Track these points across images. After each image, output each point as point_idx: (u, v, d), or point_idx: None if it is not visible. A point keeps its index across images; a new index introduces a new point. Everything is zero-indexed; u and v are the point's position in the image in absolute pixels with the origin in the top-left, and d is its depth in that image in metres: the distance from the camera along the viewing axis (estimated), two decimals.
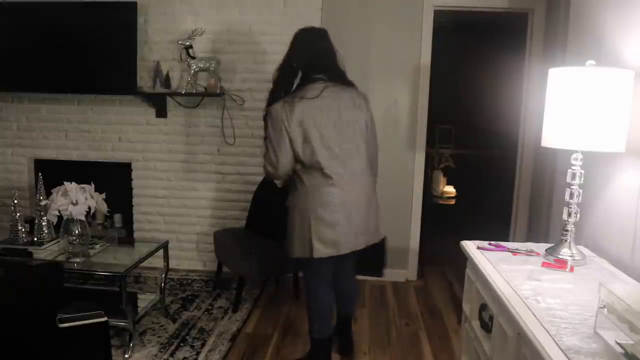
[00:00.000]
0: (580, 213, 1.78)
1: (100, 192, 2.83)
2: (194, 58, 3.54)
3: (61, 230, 2.82)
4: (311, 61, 2.31)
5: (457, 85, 5.68)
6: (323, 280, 2.41)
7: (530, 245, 1.95)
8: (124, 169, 3.93)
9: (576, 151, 1.73)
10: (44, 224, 2.93)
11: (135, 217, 3.97)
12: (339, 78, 2.36)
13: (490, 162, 5.18)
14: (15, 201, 2.90)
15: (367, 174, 2.37)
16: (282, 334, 2.99)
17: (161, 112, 3.82)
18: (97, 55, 3.65)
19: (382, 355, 2.77)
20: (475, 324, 1.79)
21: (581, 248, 1.86)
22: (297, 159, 2.24)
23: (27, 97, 3.91)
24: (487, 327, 1.66)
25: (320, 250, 2.24)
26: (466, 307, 1.94)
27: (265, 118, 2.30)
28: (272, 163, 2.24)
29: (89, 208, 2.73)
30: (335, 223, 2.23)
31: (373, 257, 2.71)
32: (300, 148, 2.21)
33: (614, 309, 1.15)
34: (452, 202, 6.21)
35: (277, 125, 2.20)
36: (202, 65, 3.56)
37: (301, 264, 2.50)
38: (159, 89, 3.68)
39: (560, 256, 1.75)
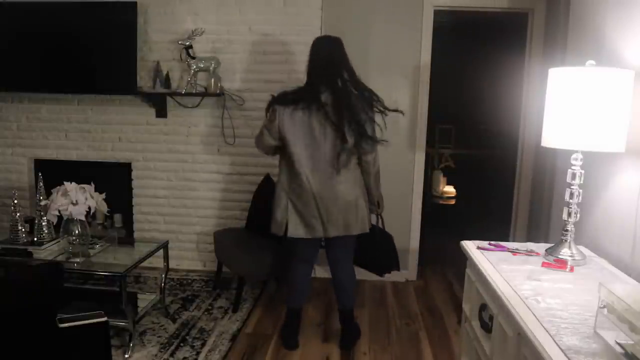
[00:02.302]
0: (580, 213, 1.78)
1: (100, 192, 2.83)
2: (194, 58, 3.54)
3: (61, 230, 2.83)
4: (315, 67, 2.53)
5: (457, 85, 5.67)
6: (299, 258, 2.74)
7: (530, 245, 1.95)
8: (124, 169, 3.93)
9: (576, 151, 1.73)
10: (44, 224, 2.93)
11: (135, 217, 3.97)
12: (344, 84, 2.58)
13: (490, 162, 5.17)
14: (15, 201, 2.90)
15: (343, 174, 2.52)
16: None
17: (161, 112, 3.82)
18: (97, 55, 3.65)
19: (382, 355, 2.77)
20: (475, 324, 1.79)
21: (581, 248, 1.86)
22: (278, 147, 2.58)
23: (27, 97, 3.91)
24: (487, 327, 1.66)
25: (292, 231, 2.55)
26: (466, 307, 1.94)
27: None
28: (258, 139, 2.64)
29: (89, 208, 2.73)
30: (303, 211, 2.53)
31: (381, 257, 2.83)
32: (282, 140, 2.53)
33: (614, 309, 1.15)
34: (452, 202, 6.20)
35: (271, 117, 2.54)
36: (202, 65, 3.56)
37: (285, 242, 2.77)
38: (159, 89, 3.68)
39: (560, 256, 1.75)
